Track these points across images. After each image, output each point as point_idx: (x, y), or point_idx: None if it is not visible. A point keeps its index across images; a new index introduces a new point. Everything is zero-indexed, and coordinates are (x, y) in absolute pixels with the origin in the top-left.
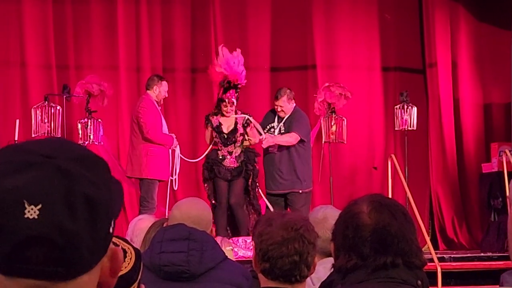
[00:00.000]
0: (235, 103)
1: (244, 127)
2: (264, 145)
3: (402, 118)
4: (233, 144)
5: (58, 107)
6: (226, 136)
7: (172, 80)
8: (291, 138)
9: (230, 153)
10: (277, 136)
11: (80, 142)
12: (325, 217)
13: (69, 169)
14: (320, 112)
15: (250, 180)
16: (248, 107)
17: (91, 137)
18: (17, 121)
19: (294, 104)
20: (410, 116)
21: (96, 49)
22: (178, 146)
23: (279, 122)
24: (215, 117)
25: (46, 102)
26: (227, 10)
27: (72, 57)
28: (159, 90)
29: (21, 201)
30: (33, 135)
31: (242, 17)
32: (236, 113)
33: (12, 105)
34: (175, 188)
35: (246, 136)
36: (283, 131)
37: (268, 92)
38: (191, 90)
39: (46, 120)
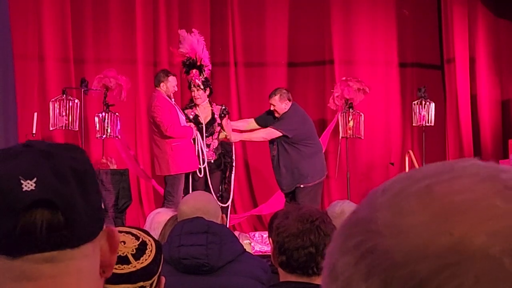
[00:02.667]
0: (201, 86)
1: (221, 118)
2: (232, 141)
3: (420, 113)
4: (210, 136)
5: (76, 101)
6: (204, 128)
7: None
8: (261, 133)
9: (208, 145)
10: (247, 134)
11: (98, 135)
12: (343, 211)
13: (49, 150)
14: (337, 107)
15: (228, 173)
16: (264, 101)
17: (108, 130)
18: (35, 114)
19: (290, 104)
20: (428, 112)
21: (114, 43)
22: (198, 134)
23: None
24: (190, 110)
25: (64, 95)
26: (245, 5)
27: (90, 51)
28: (167, 86)
29: (17, 178)
30: (51, 128)
31: (260, 12)
32: (211, 106)
33: (30, 98)
34: (201, 176)
35: (222, 128)
36: None
37: (285, 87)
38: None
39: (64, 114)
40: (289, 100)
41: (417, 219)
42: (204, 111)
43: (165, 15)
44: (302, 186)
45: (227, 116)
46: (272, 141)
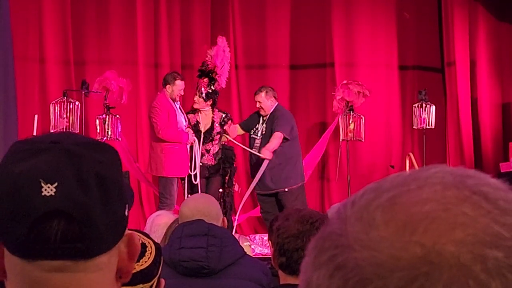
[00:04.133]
0: (203, 95)
1: (222, 125)
2: (268, 157)
3: (420, 116)
4: (210, 142)
5: (77, 103)
6: (203, 135)
7: (191, 77)
8: (278, 139)
9: (208, 151)
10: (269, 147)
11: (98, 138)
12: None
13: (75, 150)
14: (338, 110)
15: (227, 178)
16: None
17: (109, 133)
18: (36, 116)
19: (276, 103)
20: (429, 115)
21: (115, 45)
22: (196, 141)
23: (262, 123)
24: (192, 115)
25: (65, 97)
26: (246, 7)
27: (90, 53)
28: (172, 89)
29: (37, 181)
30: (51, 131)
31: (261, 14)
32: (213, 112)
33: (31, 100)
34: (195, 182)
35: (226, 134)
36: (265, 131)
37: (287, 90)
38: None
39: (64, 116)
40: (275, 97)
41: (385, 231)
42: (205, 118)
43: (166, 17)
44: (286, 189)
45: (229, 122)
46: (255, 138)
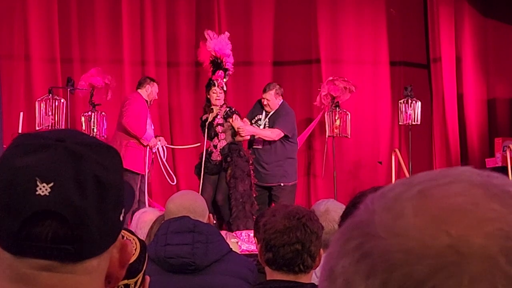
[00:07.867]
0: (224, 88)
1: (225, 119)
2: (243, 134)
3: (406, 112)
4: (216, 137)
5: (62, 100)
6: (206, 129)
7: (176, 74)
8: (272, 134)
9: (215, 146)
10: (258, 129)
11: None
12: (327, 209)
13: (77, 150)
14: (321, 104)
15: (229, 172)
16: (251, 101)
17: (95, 130)
18: (21, 113)
19: (282, 100)
20: (414, 111)
21: (101, 43)
22: (159, 146)
23: (266, 116)
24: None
25: (50, 95)
26: (231, 3)
27: (76, 50)
28: (151, 90)
29: (33, 179)
30: (37, 128)
31: (246, 10)
32: (220, 108)
33: (17, 98)
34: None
35: (235, 128)
36: (268, 125)
37: None
38: (195, 84)
39: (50, 113)
40: (281, 95)
41: (415, 220)
42: (211, 115)
43: (151, 14)
44: (282, 184)
45: (234, 115)
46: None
